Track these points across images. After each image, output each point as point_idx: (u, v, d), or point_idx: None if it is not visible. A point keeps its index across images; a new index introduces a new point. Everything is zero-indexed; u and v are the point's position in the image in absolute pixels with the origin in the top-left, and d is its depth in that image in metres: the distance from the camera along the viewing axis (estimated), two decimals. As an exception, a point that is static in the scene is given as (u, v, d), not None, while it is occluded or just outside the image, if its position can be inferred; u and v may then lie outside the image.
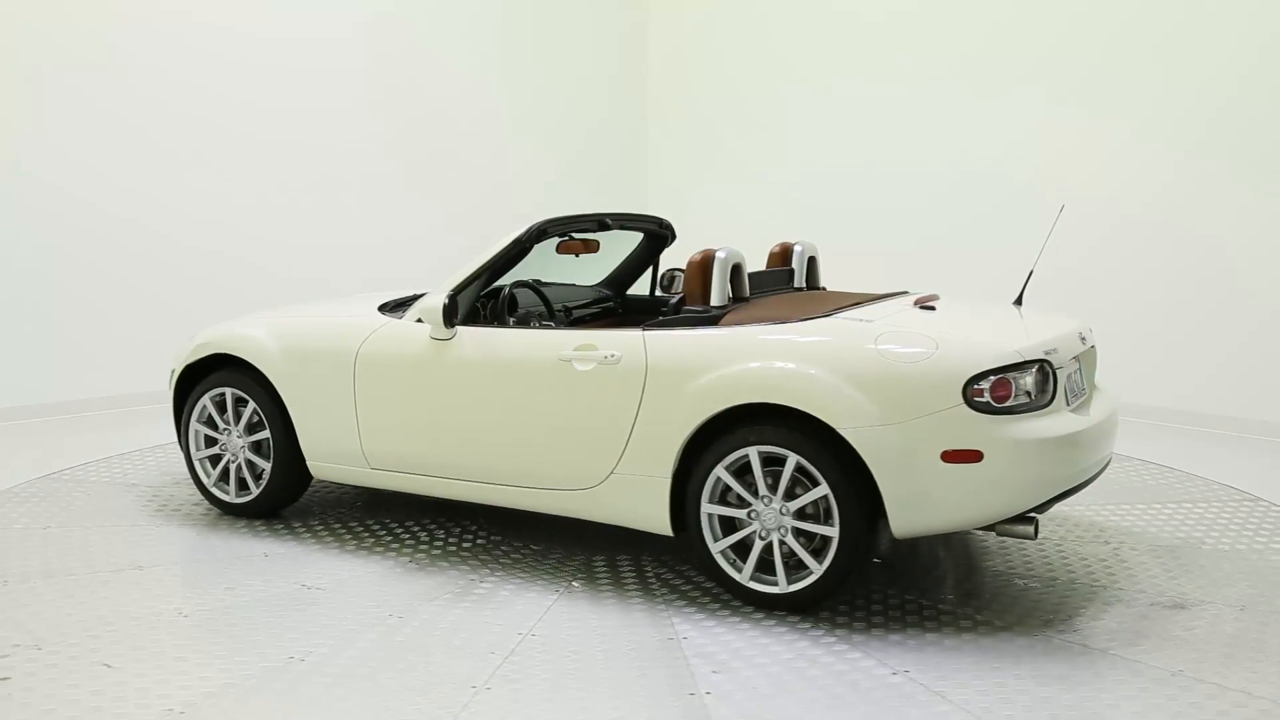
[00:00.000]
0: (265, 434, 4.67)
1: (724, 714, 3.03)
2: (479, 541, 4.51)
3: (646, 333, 3.95)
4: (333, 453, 4.53)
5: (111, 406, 7.14)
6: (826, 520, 3.62)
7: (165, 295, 7.32)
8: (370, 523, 4.77)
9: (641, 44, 9.80)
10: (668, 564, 4.26)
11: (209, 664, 3.35)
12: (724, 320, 3.93)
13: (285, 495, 4.76)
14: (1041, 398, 3.64)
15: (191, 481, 4.97)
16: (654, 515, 3.90)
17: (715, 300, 4.03)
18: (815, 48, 8.61)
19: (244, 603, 3.83)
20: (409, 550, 4.41)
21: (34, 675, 3.22)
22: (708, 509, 3.78)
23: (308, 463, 4.62)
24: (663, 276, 5.32)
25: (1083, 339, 4.11)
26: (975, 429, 3.49)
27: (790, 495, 3.66)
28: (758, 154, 9.03)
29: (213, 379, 4.77)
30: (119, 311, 7.18)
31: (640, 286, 5.46)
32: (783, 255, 4.85)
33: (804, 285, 4.86)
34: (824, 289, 4.93)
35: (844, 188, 8.36)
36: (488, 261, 4.34)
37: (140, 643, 3.48)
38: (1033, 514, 3.61)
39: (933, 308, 4.08)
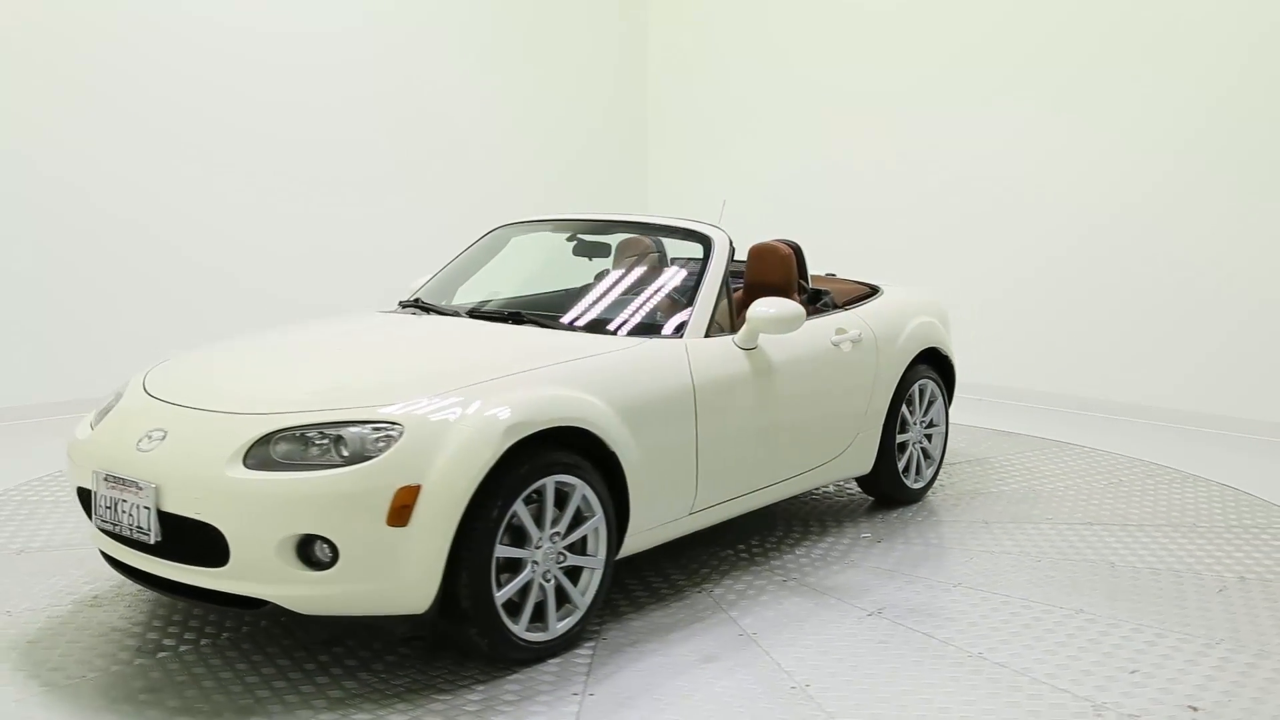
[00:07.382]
0: (591, 527, 3.44)
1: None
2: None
3: (857, 310, 4.82)
4: (662, 515, 3.77)
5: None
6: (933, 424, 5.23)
7: (157, 292, 7.22)
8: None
9: (641, 44, 9.79)
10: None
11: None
12: (833, 300, 4.92)
13: None
14: None
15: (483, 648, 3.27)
16: (868, 462, 4.85)
17: (810, 285, 4.92)
18: (815, 49, 8.66)
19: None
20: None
21: None
22: (900, 439, 4.98)
23: (624, 542, 3.65)
24: None
25: None
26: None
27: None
28: (757, 154, 9.06)
29: (530, 469, 3.21)
30: (110, 311, 7.04)
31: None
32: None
33: None
34: None
35: (842, 188, 8.45)
36: (725, 274, 4.28)
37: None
38: None
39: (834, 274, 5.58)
